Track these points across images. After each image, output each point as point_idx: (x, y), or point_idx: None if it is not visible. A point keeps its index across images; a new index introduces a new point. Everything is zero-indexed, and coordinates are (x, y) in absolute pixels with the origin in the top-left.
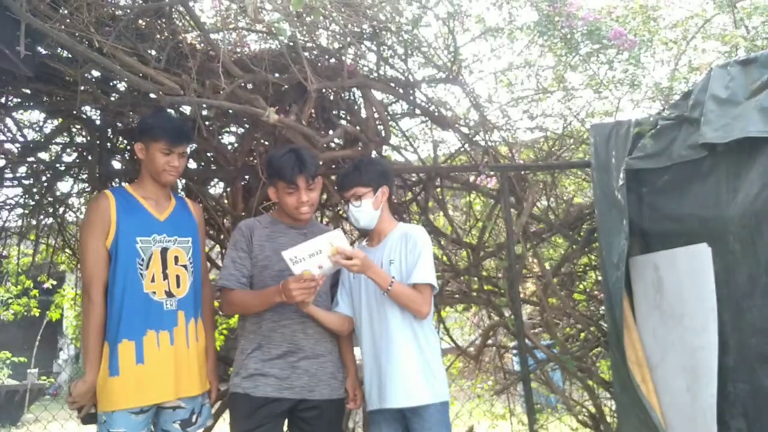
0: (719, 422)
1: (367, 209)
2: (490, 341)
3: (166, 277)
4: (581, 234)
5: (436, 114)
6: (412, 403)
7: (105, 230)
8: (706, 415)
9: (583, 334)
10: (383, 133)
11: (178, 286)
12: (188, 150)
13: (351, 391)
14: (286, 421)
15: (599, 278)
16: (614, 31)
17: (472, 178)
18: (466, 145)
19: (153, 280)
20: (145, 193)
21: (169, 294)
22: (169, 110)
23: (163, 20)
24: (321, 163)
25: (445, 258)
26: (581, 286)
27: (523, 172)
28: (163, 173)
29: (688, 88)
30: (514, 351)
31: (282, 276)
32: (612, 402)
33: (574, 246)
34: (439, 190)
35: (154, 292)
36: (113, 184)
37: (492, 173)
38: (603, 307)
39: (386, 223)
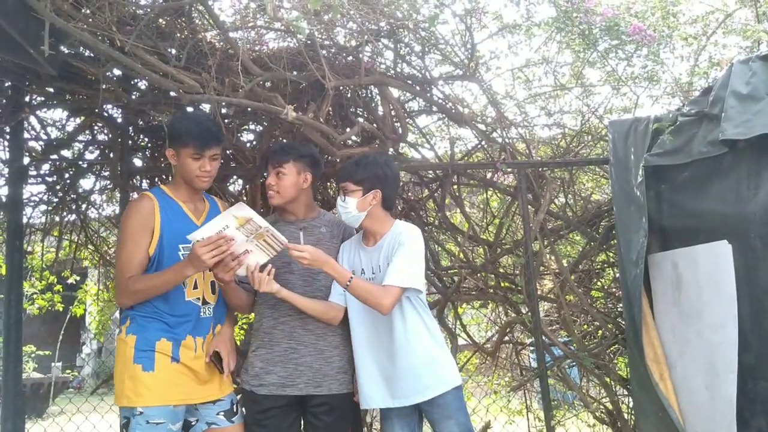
0: (739, 420)
1: (350, 207)
2: (507, 338)
3: (196, 286)
4: (599, 231)
5: (453, 111)
6: (426, 397)
7: (148, 235)
8: (725, 413)
9: (600, 332)
10: (400, 131)
11: (213, 293)
12: (221, 151)
13: (356, 385)
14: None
15: (617, 275)
16: (633, 26)
17: (489, 175)
18: (483, 142)
19: (195, 287)
20: (182, 196)
21: (204, 301)
22: (190, 109)
23: (183, 19)
24: (338, 160)
25: (461, 255)
26: (599, 284)
27: (540, 169)
28: (196, 179)
29: (708, 84)
30: (531, 348)
31: (280, 273)
32: (629, 399)
33: (592, 243)
34: (455, 187)
35: (197, 299)
36: (135, 181)
37: (509, 170)
38: (621, 305)
39: (380, 225)
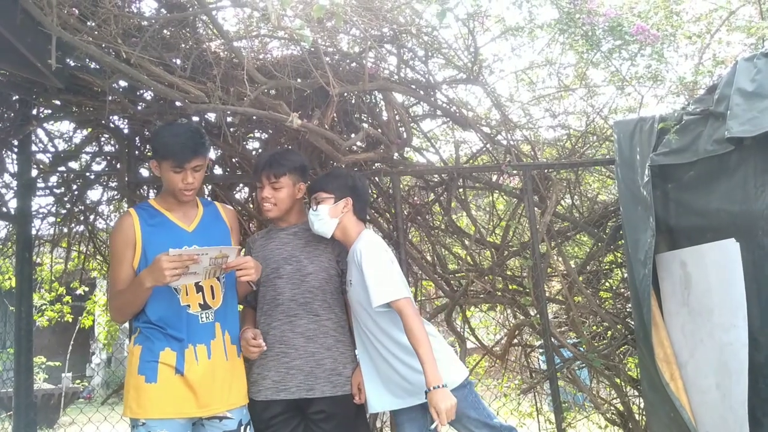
0: (751, 419)
1: (323, 214)
2: (515, 340)
3: (199, 289)
4: (606, 231)
5: (458, 114)
6: (421, 400)
7: (130, 250)
8: (737, 412)
9: (609, 332)
10: (405, 135)
11: (213, 297)
12: (206, 161)
13: (354, 385)
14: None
15: (625, 276)
16: (636, 26)
17: (494, 178)
18: (488, 145)
19: (187, 293)
20: (169, 205)
21: (205, 306)
22: (182, 119)
23: (188, 30)
24: (343, 166)
25: (468, 258)
26: (607, 284)
27: (546, 171)
28: (179, 192)
29: (713, 82)
30: (541, 350)
31: (267, 281)
32: (640, 400)
33: (599, 243)
34: (461, 190)
35: (189, 305)
36: (142, 191)
37: (515, 172)
38: (630, 305)
39: (350, 235)
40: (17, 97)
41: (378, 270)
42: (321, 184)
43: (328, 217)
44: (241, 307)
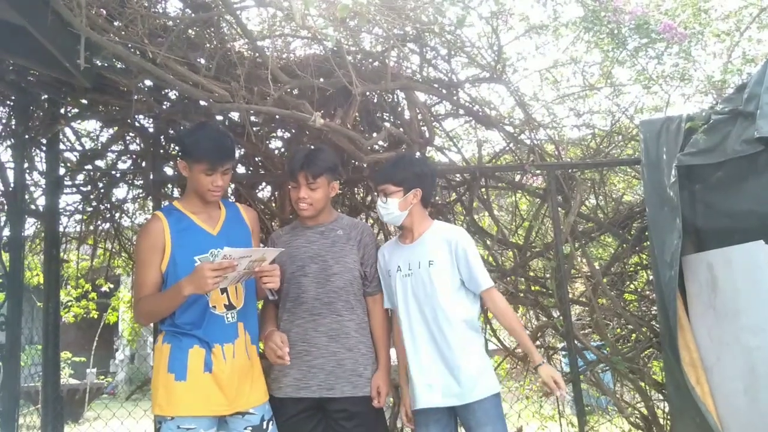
0: None
1: (392, 208)
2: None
3: (224, 290)
4: (631, 233)
5: (480, 113)
6: (470, 399)
7: (158, 255)
8: (765, 418)
9: (634, 335)
10: (427, 134)
11: (237, 297)
12: (233, 163)
13: (374, 387)
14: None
15: (651, 278)
16: (663, 24)
17: (517, 178)
18: (511, 144)
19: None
20: (194, 208)
21: (230, 307)
22: (209, 121)
23: (212, 29)
24: (365, 165)
25: (491, 258)
26: (632, 286)
27: (570, 171)
28: (207, 193)
29: (742, 81)
30: (564, 352)
31: (292, 278)
32: (665, 404)
33: (624, 245)
34: (483, 190)
35: (215, 307)
36: (166, 189)
37: (538, 172)
38: (655, 307)
39: (419, 223)
40: (46, 96)
41: (479, 258)
42: (389, 176)
43: (397, 210)
44: (260, 303)
